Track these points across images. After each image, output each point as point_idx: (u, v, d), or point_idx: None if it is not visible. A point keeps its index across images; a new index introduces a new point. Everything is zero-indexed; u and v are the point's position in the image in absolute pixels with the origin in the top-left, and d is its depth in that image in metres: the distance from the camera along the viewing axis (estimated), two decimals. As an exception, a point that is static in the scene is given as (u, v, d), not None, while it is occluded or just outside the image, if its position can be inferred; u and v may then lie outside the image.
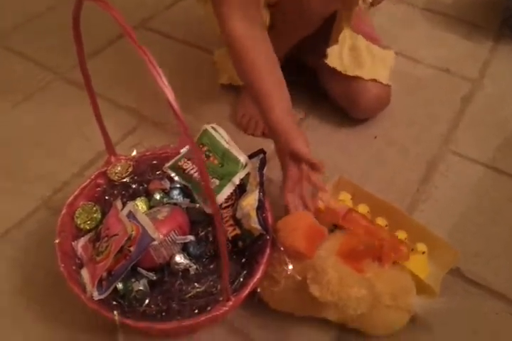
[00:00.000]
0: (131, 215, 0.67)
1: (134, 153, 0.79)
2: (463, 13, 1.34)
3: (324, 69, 1.00)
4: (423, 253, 0.78)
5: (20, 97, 1.08)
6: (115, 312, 0.63)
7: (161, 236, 0.65)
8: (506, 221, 0.89)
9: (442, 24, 1.31)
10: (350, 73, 0.97)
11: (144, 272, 0.67)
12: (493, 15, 1.32)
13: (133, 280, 0.66)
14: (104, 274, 0.64)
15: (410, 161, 0.99)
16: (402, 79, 1.13)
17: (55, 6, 1.31)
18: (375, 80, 0.98)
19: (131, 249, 0.63)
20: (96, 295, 0.64)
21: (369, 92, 0.98)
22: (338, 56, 0.97)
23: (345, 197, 0.86)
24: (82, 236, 0.74)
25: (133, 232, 0.64)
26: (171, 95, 0.44)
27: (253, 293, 0.67)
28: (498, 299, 0.78)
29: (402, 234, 0.80)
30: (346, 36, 0.96)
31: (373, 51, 1.00)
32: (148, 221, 0.66)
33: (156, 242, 0.64)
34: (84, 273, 0.67)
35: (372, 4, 0.88)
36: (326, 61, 0.97)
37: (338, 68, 0.97)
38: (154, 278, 0.68)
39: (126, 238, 0.63)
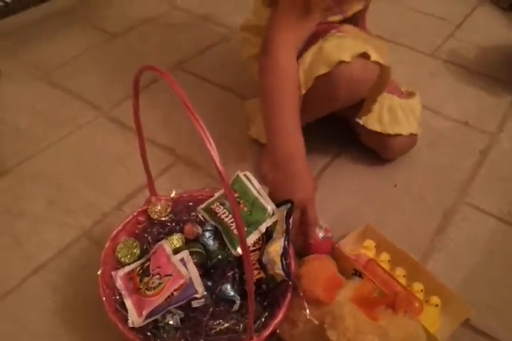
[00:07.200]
0: (182, 262, 0.73)
1: (173, 194, 0.86)
2: (484, 68, 1.41)
3: (357, 123, 1.06)
4: (436, 305, 0.83)
5: (66, 131, 1.18)
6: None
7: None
8: (517, 275, 0.93)
9: (464, 77, 1.38)
10: (391, 132, 1.04)
11: (173, 310, 0.73)
12: (513, 70, 1.38)
13: (168, 315, 0.72)
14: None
15: (427, 211, 1.04)
16: (424, 130, 1.18)
17: (95, 47, 1.43)
18: (411, 134, 1.06)
19: (175, 293, 0.70)
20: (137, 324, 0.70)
21: (402, 141, 1.07)
22: (378, 119, 1.04)
23: (370, 245, 0.92)
24: (121, 267, 0.80)
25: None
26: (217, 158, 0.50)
27: (273, 333, 0.73)
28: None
29: (418, 286, 0.85)
30: (384, 98, 1.03)
31: (405, 107, 1.07)
32: (197, 273, 0.72)
33: (198, 295, 0.70)
34: (128, 303, 0.73)
35: None
36: (365, 124, 1.04)
37: (378, 130, 1.04)
38: (182, 315, 0.74)
39: (182, 281, 0.70)
